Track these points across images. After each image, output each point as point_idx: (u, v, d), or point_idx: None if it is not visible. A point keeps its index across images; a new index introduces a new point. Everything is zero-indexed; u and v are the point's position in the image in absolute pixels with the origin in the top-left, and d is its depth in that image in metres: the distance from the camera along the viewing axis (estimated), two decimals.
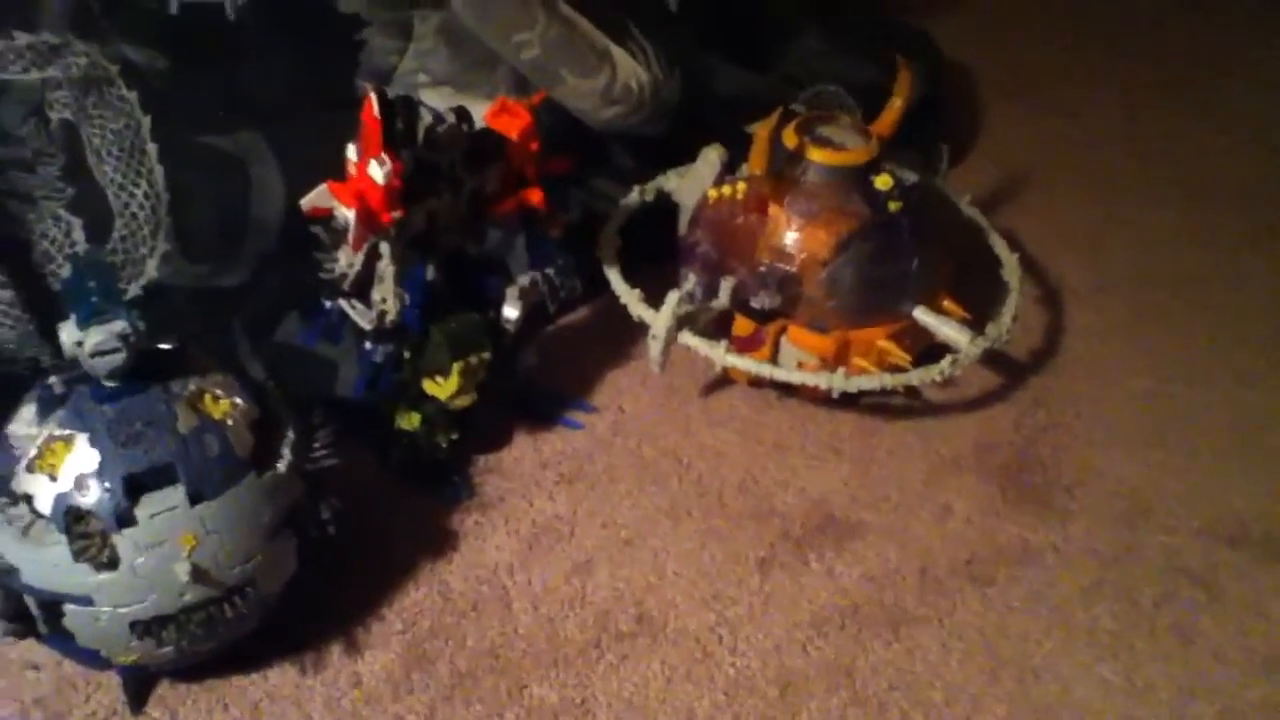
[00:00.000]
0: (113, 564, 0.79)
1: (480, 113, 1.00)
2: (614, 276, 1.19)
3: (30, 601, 0.81)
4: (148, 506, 0.79)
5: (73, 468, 0.79)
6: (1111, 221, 1.58)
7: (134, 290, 1.09)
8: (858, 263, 1.11)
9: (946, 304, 1.17)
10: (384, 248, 0.97)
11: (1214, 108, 1.88)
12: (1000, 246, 1.29)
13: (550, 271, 1.09)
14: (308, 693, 0.92)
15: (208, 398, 0.84)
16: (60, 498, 0.78)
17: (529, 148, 1.02)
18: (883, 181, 1.12)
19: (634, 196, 1.30)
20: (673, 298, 1.11)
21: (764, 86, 1.47)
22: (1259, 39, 2.14)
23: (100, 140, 1.08)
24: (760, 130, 1.10)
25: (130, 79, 1.10)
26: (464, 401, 1.05)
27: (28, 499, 0.80)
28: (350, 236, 0.93)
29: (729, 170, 1.23)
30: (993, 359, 1.25)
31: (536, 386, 1.19)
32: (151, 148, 1.09)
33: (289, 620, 0.93)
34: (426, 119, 0.94)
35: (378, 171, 0.89)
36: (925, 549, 1.07)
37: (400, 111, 0.90)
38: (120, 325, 0.78)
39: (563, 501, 1.10)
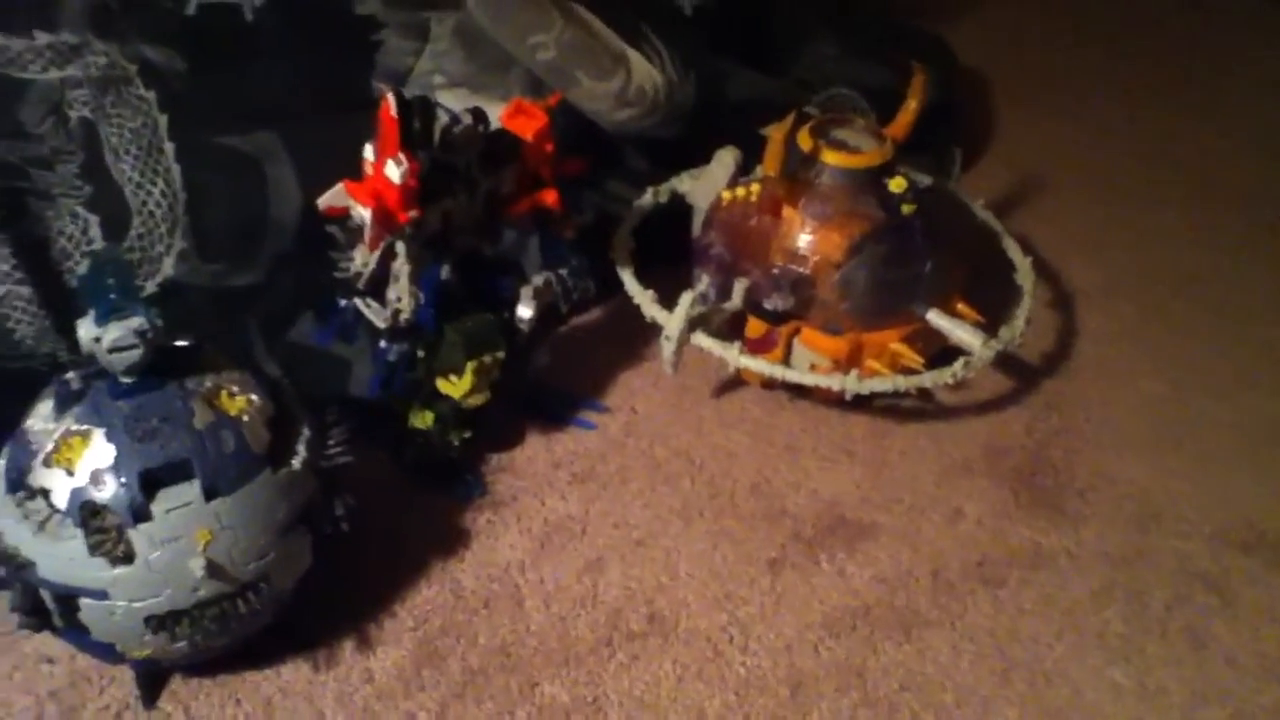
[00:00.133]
0: (128, 559, 0.79)
1: (495, 114, 1.01)
2: (628, 277, 1.20)
3: (46, 595, 0.81)
4: (163, 502, 0.79)
5: (89, 463, 0.79)
6: (1123, 225, 1.58)
7: (150, 288, 1.09)
8: (871, 265, 1.11)
9: (960, 307, 1.17)
10: (400, 247, 0.97)
11: (1222, 110, 1.88)
12: (1013, 250, 1.29)
13: (563, 272, 1.10)
14: (320, 688, 0.92)
15: (224, 394, 0.84)
16: (76, 492, 0.79)
17: (544, 149, 1.02)
18: (896, 184, 1.12)
19: (647, 198, 1.30)
20: (686, 299, 1.11)
21: (778, 90, 1.47)
22: (1259, 40, 2.14)
23: (118, 139, 1.09)
24: (775, 132, 1.10)
25: (148, 78, 1.11)
26: (477, 401, 1.05)
27: (44, 493, 0.80)
28: (366, 236, 0.94)
29: (743, 172, 1.24)
30: (1005, 362, 1.25)
31: (549, 386, 1.19)
32: (169, 147, 1.10)
33: (302, 616, 0.93)
34: (443, 120, 0.94)
35: (394, 171, 0.90)
36: (937, 551, 1.07)
37: (417, 112, 0.91)
38: (138, 322, 0.79)
39: (575, 501, 1.10)
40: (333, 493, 0.90)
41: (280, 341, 1.13)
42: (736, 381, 1.24)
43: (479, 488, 1.10)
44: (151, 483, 0.79)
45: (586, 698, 0.93)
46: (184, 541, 0.80)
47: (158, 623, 0.82)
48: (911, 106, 1.19)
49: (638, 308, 1.18)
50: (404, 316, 1.00)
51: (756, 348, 1.15)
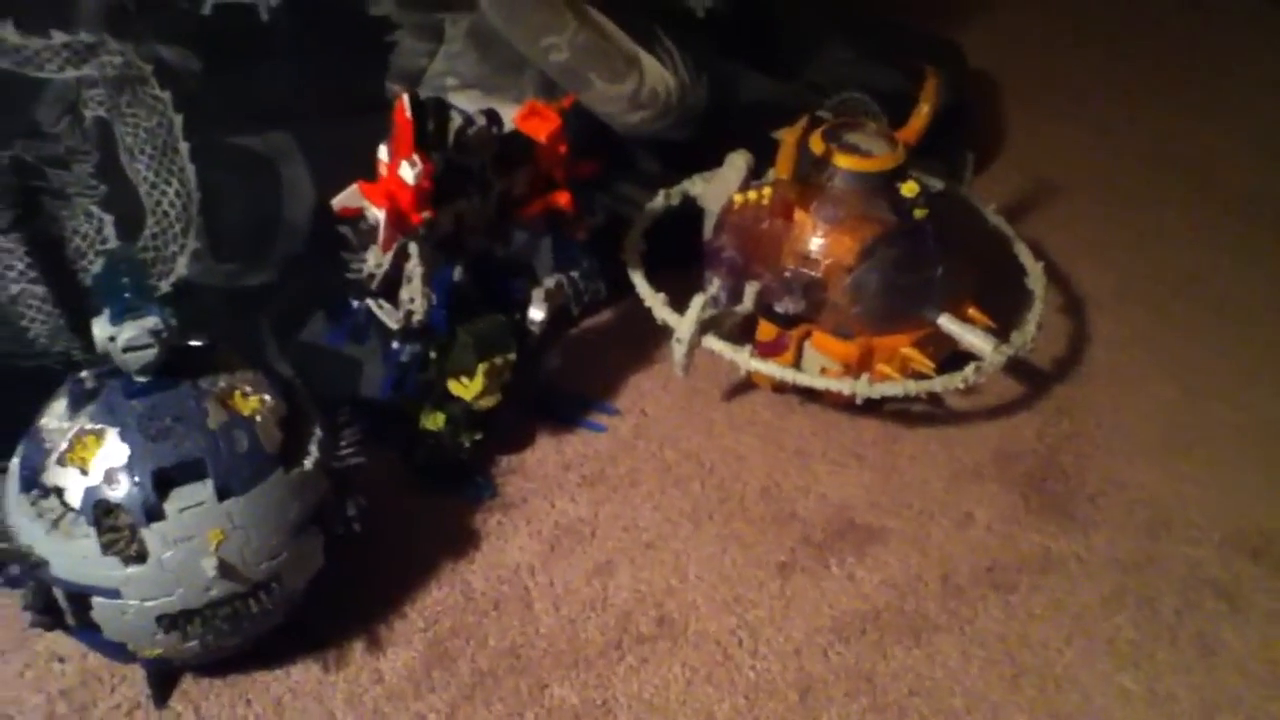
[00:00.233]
0: (141, 558, 0.80)
1: (509, 116, 1.01)
2: (639, 280, 1.20)
3: (58, 594, 0.81)
4: (176, 501, 0.79)
5: (103, 462, 0.79)
6: (1134, 229, 1.57)
7: (164, 287, 1.10)
8: (882, 269, 1.11)
9: (971, 312, 1.17)
10: (413, 248, 0.97)
11: (1238, 118, 1.88)
12: (1025, 255, 1.29)
13: (575, 274, 1.10)
14: (330, 689, 0.92)
15: (237, 394, 0.84)
16: (90, 491, 0.79)
17: (557, 151, 1.02)
18: (909, 188, 1.12)
19: (659, 201, 1.30)
20: (697, 302, 1.11)
21: (790, 93, 1.47)
22: (1259, 40, 2.14)
23: (133, 138, 1.09)
24: (787, 136, 1.10)
25: (164, 78, 1.11)
26: (489, 402, 1.05)
27: (58, 492, 0.80)
28: (380, 237, 0.94)
29: (755, 176, 1.24)
30: (1016, 367, 1.25)
31: (559, 389, 1.19)
32: (183, 147, 1.10)
33: (312, 617, 0.93)
34: (457, 121, 0.94)
35: (408, 172, 0.90)
36: (947, 556, 1.07)
37: (432, 113, 0.91)
38: (152, 321, 0.79)
39: (584, 503, 1.10)
40: (344, 493, 0.90)
41: (292, 342, 1.14)
42: (747, 385, 1.24)
43: (489, 489, 1.10)
44: (164, 482, 0.79)
45: (596, 700, 0.93)
46: (196, 541, 0.80)
47: (170, 622, 0.82)
48: (924, 111, 1.19)
49: (648, 310, 1.18)
50: (416, 318, 1.00)
51: (767, 351, 1.15)
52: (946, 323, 1.14)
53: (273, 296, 1.14)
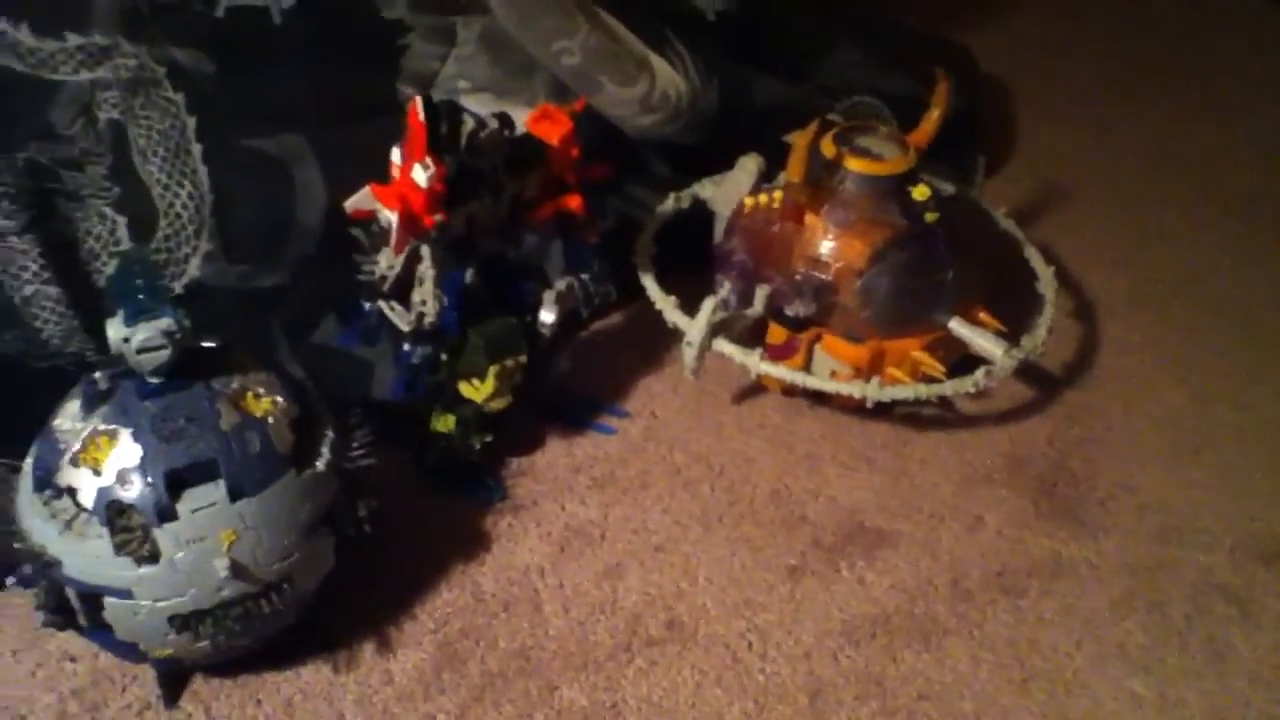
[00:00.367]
0: (153, 558, 0.80)
1: (520, 118, 1.01)
2: (649, 283, 1.20)
3: (71, 594, 0.82)
4: (189, 502, 0.80)
5: (116, 462, 0.80)
6: (1146, 235, 1.57)
7: (176, 289, 1.10)
8: (893, 273, 1.11)
9: (982, 316, 1.17)
10: (425, 251, 0.98)
11: (1248, 122, 1.88)
12: (1036, 259, 1.29)
13: (585, 277, 1.10)
14: (340, 690, 0.93)
15: (250, 396, 0.85)
16: (103, 492, 0.79)
17: (569, 154, 1.02)
18: (920, 192, 1.12)
19: (670, 204, 1.30)
20: (708, 305, 1.11)
21: (801, 97, 1.47)
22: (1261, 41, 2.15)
23: (146, 140, 1.10)
24: (798, 139, 1.10)
25: (177, 81, 1.12)
26: (499, 404, 1.05)
27: (71, 492, 0.81)
28: (392, 239, 0.94)
29: (766, 179, 1.24)
30: (1026, 371, 1.25)
31: (569, 391, 1.19)
32: (196, 149, 1.10)
33: (323, 618, 0.94)
34: (469, 124, 0.94)
35: (421, 175, 0.90)
36: (957, 560, 1.07)
37: (445, 116, 0.91)
38: (166, 322, 0.79)
39: (594, 506, 1.10)
40: (355, 494, 0.90)
41: (304, 343, 1.14)
42: (757, 388, 1.24)
43: (499, 491, 1.10)
44: (177, 483, 0.80)
45: (605, 703, 0.93)
46: (209, 542, 0.80)
47: (181, 622, 0.82)
48: (934, 114, 1.19)
49: (658, 313, 1.18)
50: (428, 320, 1.01)
51: (777, 354, 1.15)
52: (957, 326, 1.14)
53: (285, 298, 1.14)
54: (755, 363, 1.12)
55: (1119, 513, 1.13)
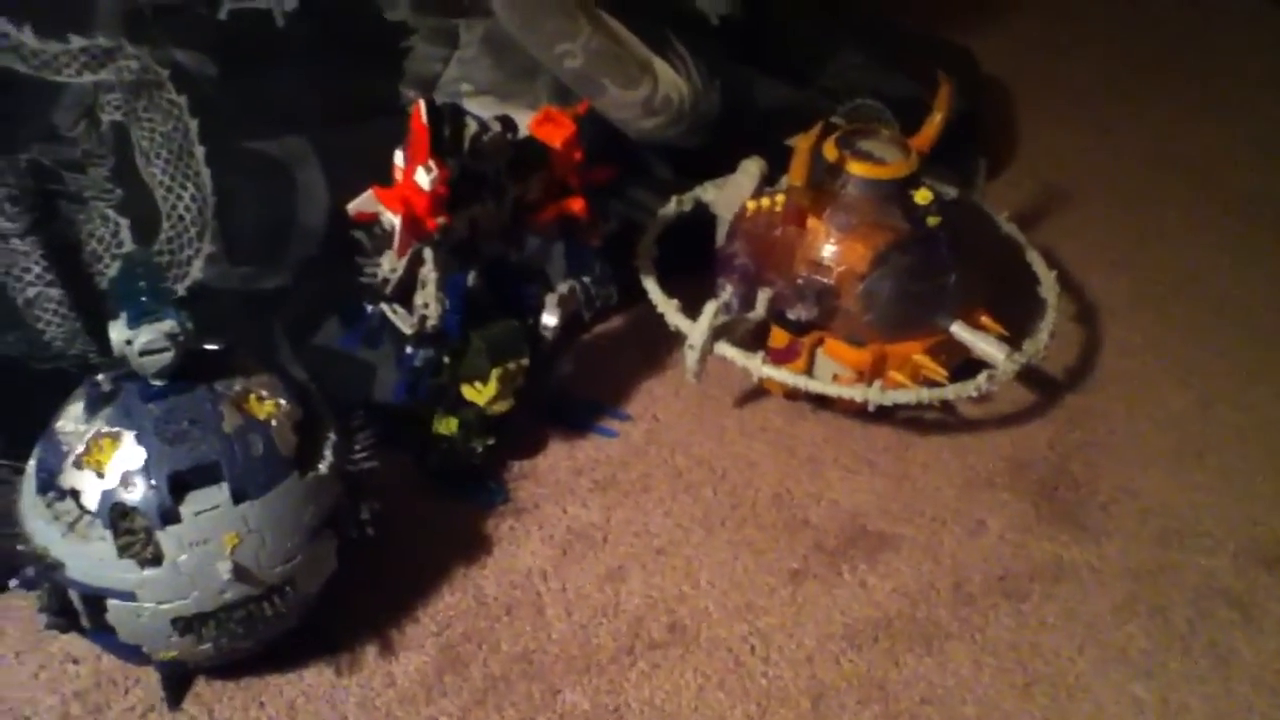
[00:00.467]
0: (156, 561, 0.80)
1: (522, 121, 1.01)
2: (651, 286, 1.20)
3: (74, 596, 0.82)
4: (192, 504, 0.80)
5: (119, 464, 0.80)
6: (1146, 236, 1.57)
7: (179, 291, 1.10)
8: (895, 277, 1.11)
9: (984, 320, 1.17)
10: (427, 253, 0.98)
11: (1248, 122, 1.88)
12: (1038, 263, 1.29)
13: (587, 280, 1.10)
14: (342, 693, 0.93)
15: (253, 398, 0.85)
16: (106, 494, 0.79)
17: (572, 157, 1.02)
18: (922, 196, 1.12)
19: (672, 207, 1.30)
20: (710, 308, 1.11)
21: (803, 100, 1.47)
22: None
23: (149, 143, 1.10)
24: (801, 143, 1.10)
25: (180, 83, 1.12)
26: (502, 407, 1.06)
27: (74, 494, 0.81)
28: (395, 242, 0.94)
29: (768, 182, 1.24)
30: (1028, 375, 1.25)
31: (571, 394, 1.19)
32: (199, 151, 1.10)
33: (325, 620, 0.94)
34: (473, 127, 0.94)
35: (424, 178, 0.90)
36: (959, 564, 1.07)
37: (448, 119, 0.91)
38: (169, 325, 0.79)
39: (596, 509, 1.10)
40: (358, 497, 0.90)
41: (307, 345, 1.14)
42: (759, 391, 1.24)
43: (501, 494, 1.10)
44: (180, 485, 0.80)
45: (607, 706, 0.93)
46: (212, 544, 0.80)
47: (184, 624, 0.82)
48: (937, 118, 1.19)
49: (660, 316, 1.18)
50: (430, 323, 1.01)
51: (779, 358, 1.15)
52: (959, 330, 1.14)
53: (287, 301, 1.14)
54: (757, 366, 1.12)
55: (1121, 516, 1.13)
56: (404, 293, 1.01)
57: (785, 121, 1.26)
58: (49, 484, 0.82)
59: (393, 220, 0.93)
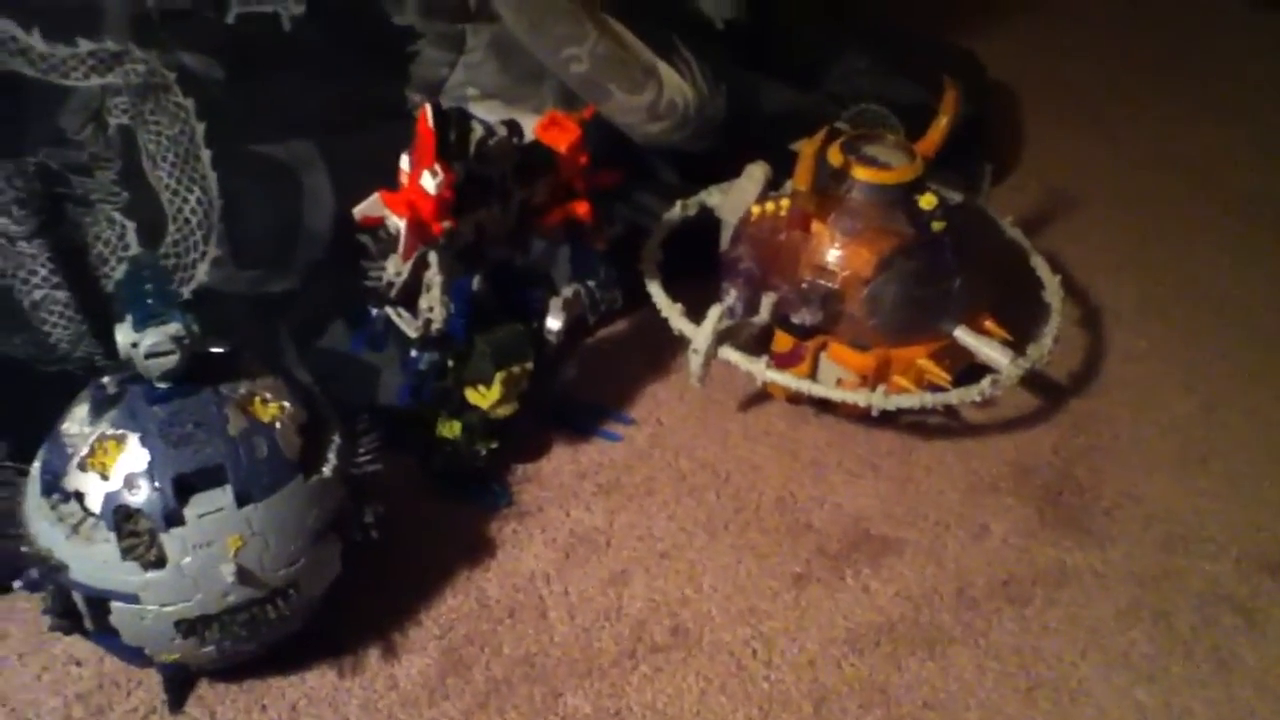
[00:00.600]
0: (160, 563, 0.80)
1: (529, 126, 1.01)
2: (656, 290, 1.20)
3: (77, 598, 0.82)
4: (196, 507, 0.80)
5: (123, 467, 0.80)
6: (1153, 243, 1.57)
7: (185, 294, 1.10)
8: (900, 281, 1.11)
9: (988, 324, 1.17)
10: (432, 257, 0.98)
11: (1256, 128, 1.87)
12: (1042, 268, 1.29)
13: (592, 284, 1.10)
14: (345, 695, 0.93)
15: (257, 401, 0.85)
16: (110, 496, 0.80)
17: (578, 161, 1.03)
18: (927, 201, 1.12)
19: (676, 211, 1.31)
20: (714, 312, 1.11)
21: (808, 104, 1.48)
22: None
23: (156, 146, 1.10)
24: (806, 147, 1.11)
25: (187, 86, 1.12)
26: (506, 411, 1.06)
27: (78, 497, 0.81)
28: (400, 245, 0.94)
29: (773, 187, 1.24)
30: (1033, 380, 1.25)
31: (575, 398, 1.19)
32: (206, 154, 1.11)
33: (329, 623, 0.94)
34: (478, 131, 0.95)
35: (430, 182, 0.90)
36: (962, 568, 1.07)
37: (454, 123, 0.92)
38: (175, 328, 0.79)
39: (599, 512, 1.10)
40: (362, 500, 0.90)
41: (312, 349, 1.14)
42: (762, 395, 1.24)
43: (505, 498, 1.10)
44: (184, 488, 0.80)
45: (610, 709, 0.93)
46: (215, 547, 0.81)
47: (188, 627, 0.82)
48: (942, 123, 1.19)
49: (665, 320, 1.18)
50: (435, 326, 1.01)
51: (783, 362, 1.16)
52: (963, 335, 1.14)
53: (293, 304, 1.15)
54: (761, 370, 1.12)
55: (1125, 521, 1.13)
56: (409, 296, 1.02)
57: (790, 126, 1.26)
58: (53, 486, 0.82)
59: (398, 224, 0.93)
